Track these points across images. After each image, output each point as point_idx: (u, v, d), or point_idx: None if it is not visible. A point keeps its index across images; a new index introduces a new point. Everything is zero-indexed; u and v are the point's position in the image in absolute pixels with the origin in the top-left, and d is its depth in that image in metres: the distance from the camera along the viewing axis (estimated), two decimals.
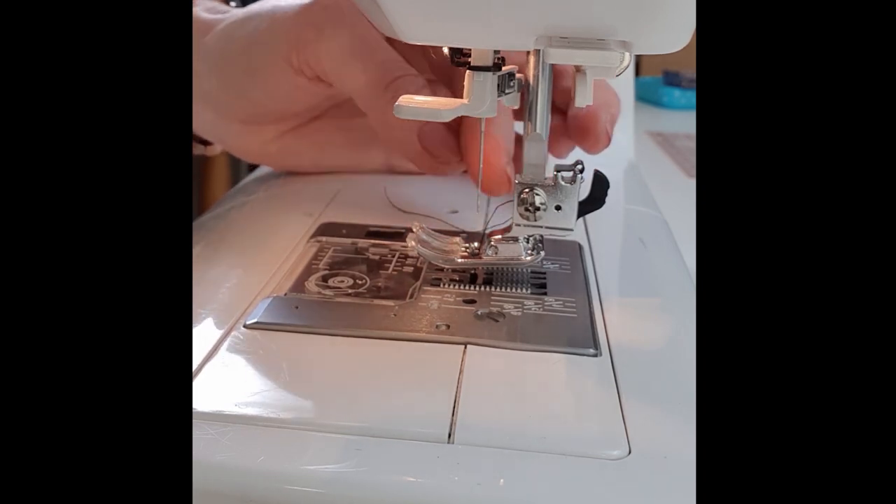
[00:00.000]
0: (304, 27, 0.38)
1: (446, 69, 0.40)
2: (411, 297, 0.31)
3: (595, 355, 0.27)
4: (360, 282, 0.32)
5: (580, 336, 0.28)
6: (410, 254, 0.35)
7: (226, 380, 0.25)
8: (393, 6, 0.26)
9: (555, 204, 0.30)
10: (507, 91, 0.30)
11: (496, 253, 0.32)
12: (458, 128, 0.39)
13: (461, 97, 0.29)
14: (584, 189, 0.30)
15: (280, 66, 0.39)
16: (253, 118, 0.43)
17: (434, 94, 0.38)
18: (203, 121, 0.44)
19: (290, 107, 0.42)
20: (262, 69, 0.40)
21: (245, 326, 0.28)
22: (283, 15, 0.39)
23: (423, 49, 0.41)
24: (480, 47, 0.29)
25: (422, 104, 0.29)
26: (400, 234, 0.37)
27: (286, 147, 0.44)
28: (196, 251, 0.36)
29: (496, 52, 0.29)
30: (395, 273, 0.33)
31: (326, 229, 0.37)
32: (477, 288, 0.32)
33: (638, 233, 0.40)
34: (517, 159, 0.37)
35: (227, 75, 0.41)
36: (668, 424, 0.24)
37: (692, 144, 1.02)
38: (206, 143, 0.48)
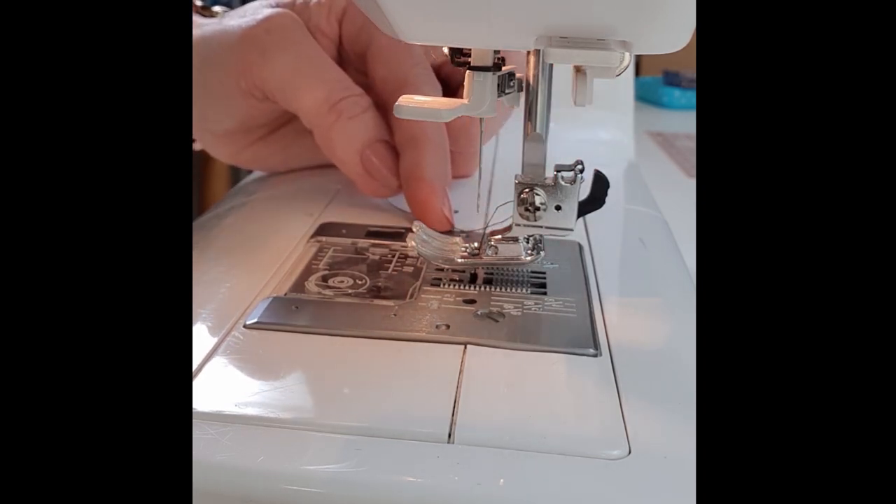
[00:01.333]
0: (249, 51, 0.39)
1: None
2: (411, 297, 0.31)
3: (595, 355, 0.27)
4: (360, 282, 0.32)
5: (580, 336, 0.28)
6: (410, 254, 0.35)
7: (226, 380, 0.25)
8: (393, 6, 0.26)
9: (555, 204, 0.30)
10: (507, 91, 0.30)
11: (496, 253, 0.32)
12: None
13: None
14: (584, 189, 0.30)
15: (231, 89, 0.40)
16: (221, 132, 0.44)
17: (376, 115, 0.39)
18: None
19: (251, 122, 0.43)
20: (216, 92, 0.40)
21: (245, 326, 0.28)
22: (228, 40, 0.40)
23: (363, 70, 0.42)
24: (480, 47, 0.29)
25: (422, 104, 0.29)
26: (400, 234, 0.37)
27: (257, 154, 0.46)
28: (196, 251, 0.36)
29: (496, 52, 0.29)
30: (395, 273, 0.33)
31: (326, 229, 0.37)
32: (477, 288, 0.32)
33: (638, 233, 0.40)
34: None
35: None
36: (668, 424, 0.24)
37: (692, 144, 1.02)
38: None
